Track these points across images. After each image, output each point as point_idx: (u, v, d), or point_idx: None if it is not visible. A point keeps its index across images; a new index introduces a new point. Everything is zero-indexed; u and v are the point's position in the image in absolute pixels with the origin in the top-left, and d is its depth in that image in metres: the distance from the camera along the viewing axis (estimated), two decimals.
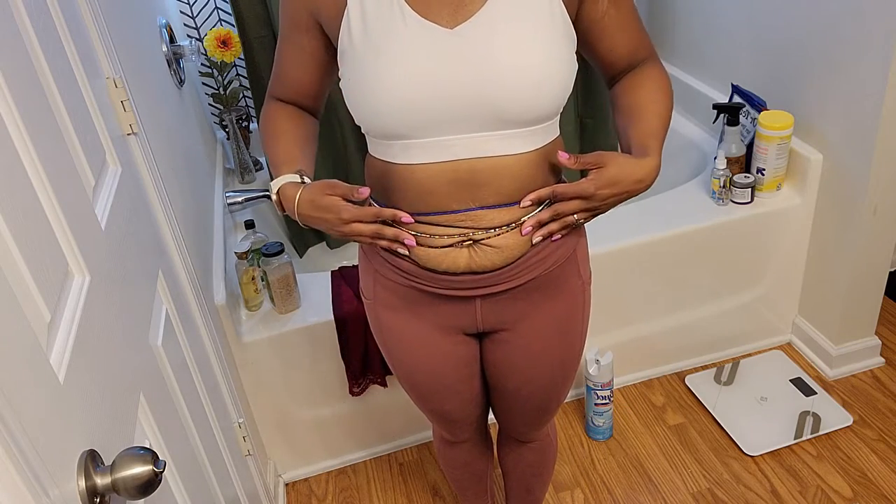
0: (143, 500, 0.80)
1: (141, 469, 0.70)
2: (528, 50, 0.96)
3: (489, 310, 1.16)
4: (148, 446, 0.89)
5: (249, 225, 1.95)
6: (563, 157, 1.02)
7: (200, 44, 2.35)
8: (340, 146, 2.34)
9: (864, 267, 1.97)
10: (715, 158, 2.01)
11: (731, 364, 2.19)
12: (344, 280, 1.88)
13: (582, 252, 1.20)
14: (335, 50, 1.04)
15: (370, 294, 1.22)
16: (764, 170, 1.98)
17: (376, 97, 0.97)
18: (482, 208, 1.04)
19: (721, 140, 2.06)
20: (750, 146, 2.03)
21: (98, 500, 0.68)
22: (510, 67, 0.95)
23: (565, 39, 1.00)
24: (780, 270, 2.13)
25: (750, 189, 1.99)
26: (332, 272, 1.93)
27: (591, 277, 1.24)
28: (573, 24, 1.03)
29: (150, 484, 0.70)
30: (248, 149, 2.43)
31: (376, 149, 1.07)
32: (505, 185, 1.03)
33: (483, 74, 0.95)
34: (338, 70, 1.04)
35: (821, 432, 1.95)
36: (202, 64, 2.39)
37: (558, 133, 1.09)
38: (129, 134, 1.22)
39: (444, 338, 1.21)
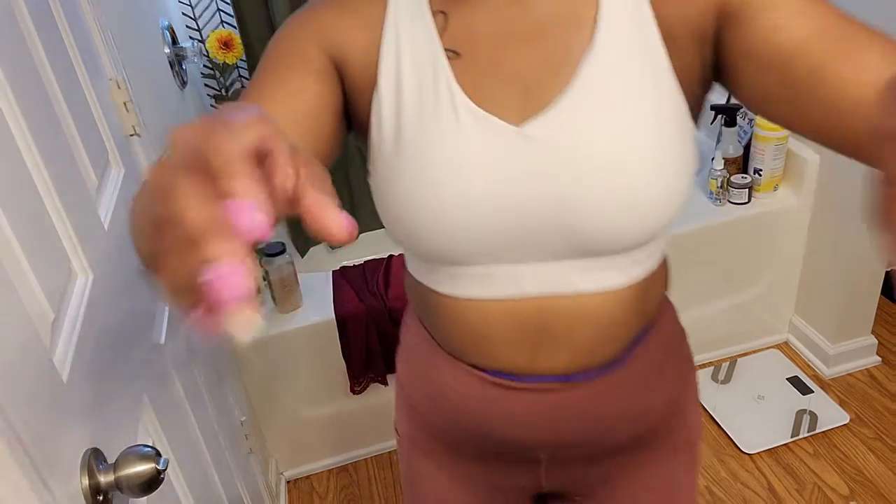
0: (145, 498, 0.81)
1: (144, 467, 0.71)
2: (627, 157, 0.66)
3: (558, 469, 0.87)
4: (151, 445, 0.91)
5: None
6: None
7: (202, 45, 2.36)
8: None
9: (861, 267, 1.98)
10: (712, 159, 2.02)
11: (728, 363, 2.20)
12: (345, 280, 1.89)
13: (692, 390, 0.91)
14: (345, 114, 0.72)
15: (403, 429, 0.96)
16: (761, 170, 1.99)
17: (415, 217, 0.69)
18: (554, 378, 0.77)
19: (718, 141, 2.07)
20: (747, 147, 2.03)
21: (101, 497, 0.70)
22: (600, 185, 0.66)
23: (678, 129, 0.67)
24: (777, 270, 2.14)
25: (747, 190, 2.00)
26: (334, 272, 1.94)
27: (700, 422, 0.94)
28: (731, 79, 0.65)
29: (152, 482, 0.71)
30: None
31: (413, 266, 0.82)
32: (585, 336, 0.75)
33: (561, 192, 0.67)
34: (340, 145, 0.72)
35: (817, 430, 1.96)
36: (204, 65, 2.40)
37: (663, 255, 0.80)
38: (131, 135, 1.23)
39: (491, 500, 0.93)
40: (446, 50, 0.68)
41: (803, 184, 1.99)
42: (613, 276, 0.73)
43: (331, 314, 1.81)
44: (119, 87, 1.19)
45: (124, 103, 1.20)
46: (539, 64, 0.67)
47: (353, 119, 0.73)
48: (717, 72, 0.66)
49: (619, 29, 0.65)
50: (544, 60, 0.67)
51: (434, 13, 0.68)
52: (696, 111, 0.69)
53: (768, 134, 1.93)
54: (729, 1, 0.62)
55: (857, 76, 0.55)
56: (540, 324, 0.74)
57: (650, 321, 0.81)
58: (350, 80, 0.71)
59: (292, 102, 0.66)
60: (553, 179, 0.67)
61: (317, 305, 1.85)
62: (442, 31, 0.68)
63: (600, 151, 0.66)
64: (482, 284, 0.74)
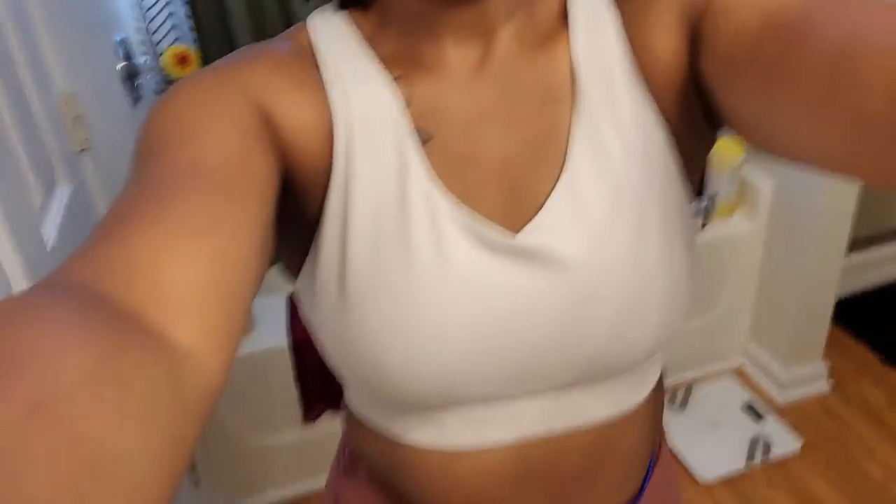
0: None
1: None
2: (643, 259, 0.52)
3: None
4: None
5: None
6: None
7: (158, 61, 2.32)
8: None
9: (813, 293, 2.01)
10: None
11: (683, 389, 2.22)
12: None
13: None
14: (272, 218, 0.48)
15: None
16: (716, 196, 2.02)
17: (378, 353, 0.52)
18: None
19: None
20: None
21: None
22: (616, 300, 0.52)
23: (685, 210, 0.55)
24: (732, 295, 2.16)
25: (702, 215, 2.03)
26: (288, 296, 1.90)
27: None
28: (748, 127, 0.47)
29: None
30: None
31: (363, 404, 0.63)
32: (608, 475, 0.61)
33: (572, 313, 0.52)
34: (264, 265, 0.46)
35: (771, 457, 1.97)
36: (160, 81, 2.36)
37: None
38: (81, 151, 1.19)
39: None
40: (416, 130, 0.51)
41: (757, 210, 2.02)
42: (630, 394, 0.59)
43: (284, 339, 1.77)
44: (69, 103, 1.16)
45: (74, 118, 1.17)
46: (521, 148, 0.51)
47: (289, 219, 0.53)
48: (716, 119, 0.52)
49: (603, 91, 0.51)
50: (527, 143, 0.51)
51: (395, 79, 0.51)
52: (693, 178, 0.56)
53: (723, 160, 1.96)
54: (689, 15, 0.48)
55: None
56: (551, 470, 0.58)
57: (660, 434, 0.69)
58: (297, 168, 0.50)
59: (233, 175, 0.41)
60: (561, 300, 0.51)
61: (270, 330, 1.80)
62: (409, 103, 0.51)
63: (611, 258, 0.51)
64: (472, 429, 0.57)
